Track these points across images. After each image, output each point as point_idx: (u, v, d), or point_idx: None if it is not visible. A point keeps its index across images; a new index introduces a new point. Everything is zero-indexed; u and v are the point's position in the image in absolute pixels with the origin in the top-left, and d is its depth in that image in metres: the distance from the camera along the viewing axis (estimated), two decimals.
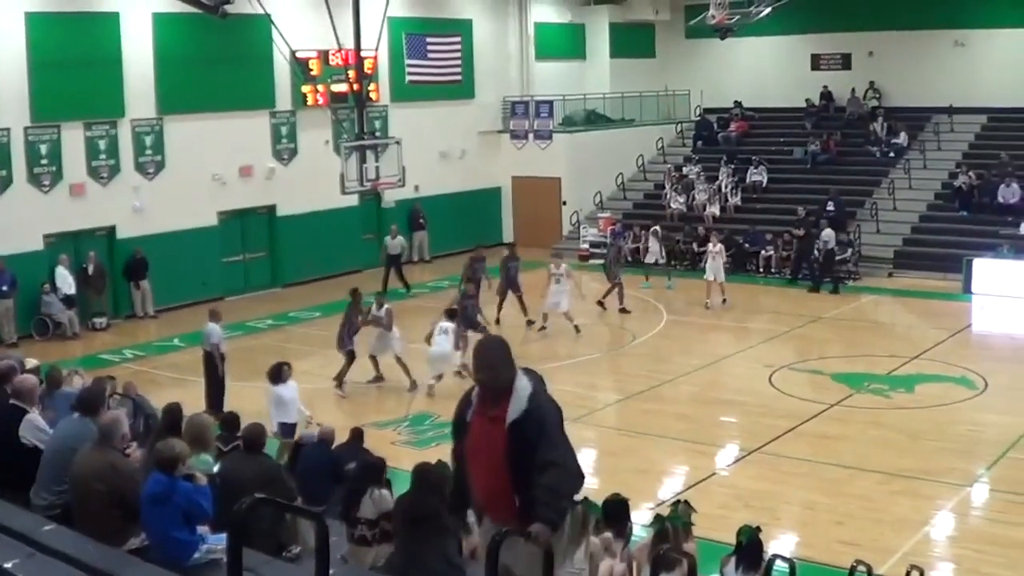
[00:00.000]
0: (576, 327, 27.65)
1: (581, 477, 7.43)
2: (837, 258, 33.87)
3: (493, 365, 7.17)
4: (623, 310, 30.10)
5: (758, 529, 11.51)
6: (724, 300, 30.76)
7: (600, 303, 30.28)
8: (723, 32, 39.10)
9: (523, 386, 7.14)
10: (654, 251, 34.14)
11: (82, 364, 22.16)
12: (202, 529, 8.60)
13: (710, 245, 31.68)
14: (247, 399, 20.77)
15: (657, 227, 35.01)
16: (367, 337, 23.53)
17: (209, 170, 32.21)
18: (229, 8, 29.75)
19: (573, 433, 19.67)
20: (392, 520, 10.67)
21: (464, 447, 7.40)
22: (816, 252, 33.24)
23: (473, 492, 7.41)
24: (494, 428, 7.10)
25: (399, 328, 23.50)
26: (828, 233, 33.10)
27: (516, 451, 7.00)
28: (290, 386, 18.21)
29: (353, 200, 33.78)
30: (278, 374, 18.17)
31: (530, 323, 28.30)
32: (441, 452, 16.39)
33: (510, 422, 7.04)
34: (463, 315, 24.17)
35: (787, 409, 21.35)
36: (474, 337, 23.51)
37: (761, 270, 35.18)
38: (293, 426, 17.86)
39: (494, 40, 42.07)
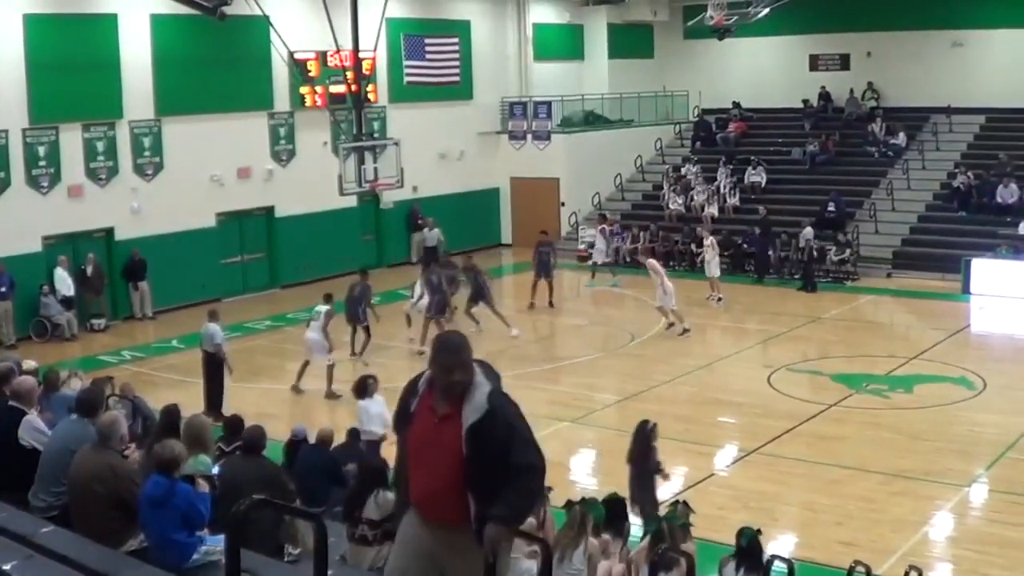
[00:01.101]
0: (670, 324, 27.89)
1: (544, 472, 6.89)
2: (836, 259, 33.98)
3: (452, 368, 6.56)
4: (532, 305, 30.99)
5: (758, 531, 11.51)
6: (719, 299, 30.78)
7: (550, 303, 31.00)
8: (721, 33, 39.11)
9: (480, 385, 6.58)
10: (600, 249, 34.37)
11: (81, 366, 22.16)
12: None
13: (704, 241, 31.71)
14: (246, 401, 20.82)
15: (604, 225, 35.20)
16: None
17: (207, 171, 32.20)
18: (227, 9, 29.71)
19: (573, 434, 19.73)
20: (394, 521, 10.66)
21: (406, 439, 6.83)
22: (799, 251, 33.52)
23: (409, 487, 6.80)
24: (445, 428, 6.53)
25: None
26: (808, 232, 33.26)
27: (477, 455, 6.44)
28: (377, 400, 17.43)
29: (351, 201, 33.75)
30: (364, 388, 17.43)
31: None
32: None
33: (469, 425, 6.46)
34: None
35: (786, 410, 21.35)
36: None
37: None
38: (380, 441, 16.82)
39: (492, 41, 42.07)
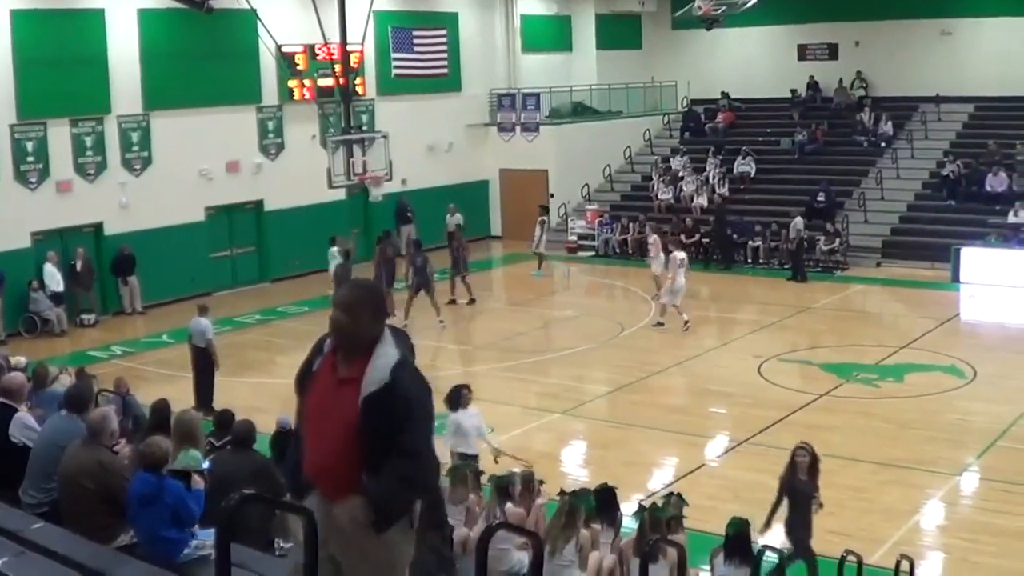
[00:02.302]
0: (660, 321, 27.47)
1: (435, 471, 6.34)
2: (826, 248, 33.97)
3: (352, 308, 5.91)
4: (452, 301, 30.44)
5: (746, 522, 11.51)
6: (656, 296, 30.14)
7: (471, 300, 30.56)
8: (709, 23, 39.14)
9: (386, 353, 5.88)
10: (544, 240, 34.32)
11: (70, 361, 22.16)
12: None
13: (648, 240, 31.33)
14: (236, 395, 20.78)
15: (545, 217, 35.09)
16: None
17: (196, 166, 32.14)
18: (214, 3, 29.75)
19: (563, 426, 19.63)
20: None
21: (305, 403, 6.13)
22: (790, 242, 33.56)
23: (304, 457, 6.09)
24: (344, 392, 5.86)
25: None
26: (798, 222, 33.35)
27: (371, 430, 5.78)
28: (471, 412, 15.94)
29: (340, 194, 33.71)
30: (457, 399, 15.85)
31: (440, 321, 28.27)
32: None
33: (366, 395, 5.79)
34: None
35: (776, 399, 21.37)
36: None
37: (749, 261, 35.17)
38: (475, 458, 15.40)
39: (480, 33, 42.03)
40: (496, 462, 15.72)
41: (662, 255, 29.84)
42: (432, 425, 6.02)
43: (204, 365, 21.26)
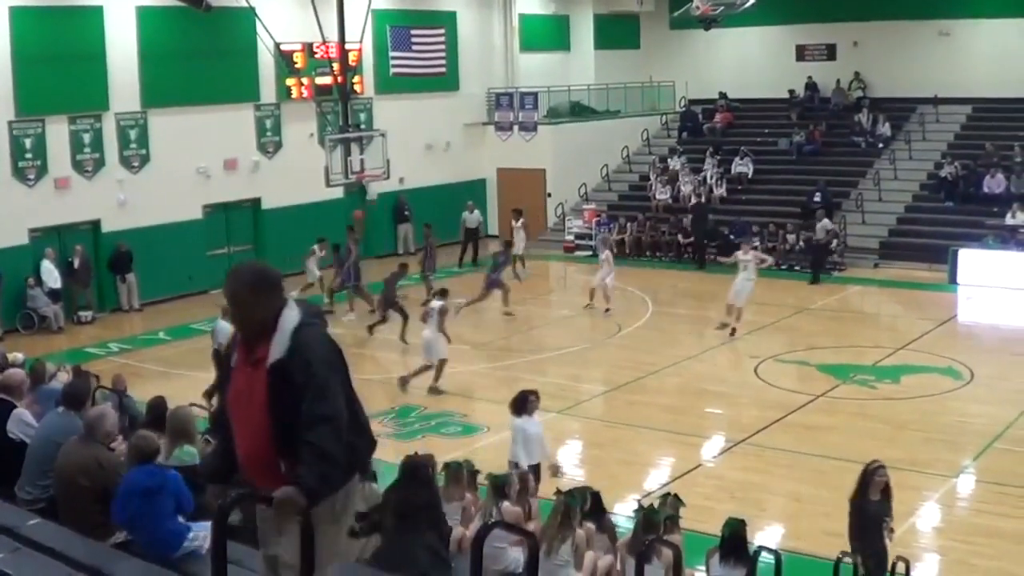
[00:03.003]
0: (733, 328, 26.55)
1: (366, 440, 6.07)
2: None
3: (237, 298, 5.80)
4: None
5: (742, 522, 11.50)
6: (607, 310, 29.32)
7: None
8: (707, 23, 39.02)
9: (288, 318, 5.74)
10: (520, 240, 34.19)
11: (67, 358, 22.11)
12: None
13: (600, 255, 30.63)
14: None
15: (523, 220, 34.94)
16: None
17: (194, 163, 32.11)
18: (212, 1, 29.71)
19: (559, 425, 19.64)
20: (381, 513, 10.65)
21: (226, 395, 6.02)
22: (813, 242, 33.50)
23: (238, 455, 5.93)
24: (257, 372, 5.71)
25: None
26: (826, 224, 33.47)
27: (278, 401, 5.62)
28: (535, 420, 15.48)
29: (338, 193, 33.68)
30: (524, 404, 15.36)
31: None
32: (426, 444, 16.41)
33: (270, 364, 5.65)
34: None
35: (773, 400, 21.37)
36: None
37: None
38: (538, 467, 15.23)
39: (479, 32, 42.01)
40: (556, 474, 15.84)
41: (608, 267, 29.55)
42: (341, 386, 5.79)
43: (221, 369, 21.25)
